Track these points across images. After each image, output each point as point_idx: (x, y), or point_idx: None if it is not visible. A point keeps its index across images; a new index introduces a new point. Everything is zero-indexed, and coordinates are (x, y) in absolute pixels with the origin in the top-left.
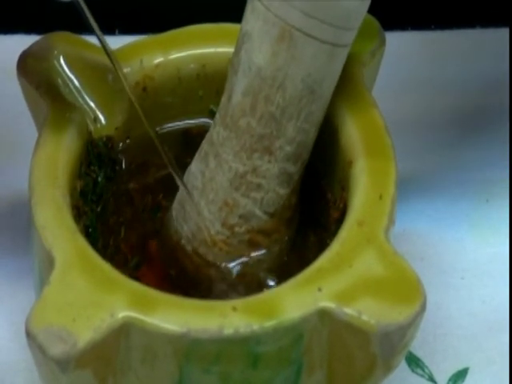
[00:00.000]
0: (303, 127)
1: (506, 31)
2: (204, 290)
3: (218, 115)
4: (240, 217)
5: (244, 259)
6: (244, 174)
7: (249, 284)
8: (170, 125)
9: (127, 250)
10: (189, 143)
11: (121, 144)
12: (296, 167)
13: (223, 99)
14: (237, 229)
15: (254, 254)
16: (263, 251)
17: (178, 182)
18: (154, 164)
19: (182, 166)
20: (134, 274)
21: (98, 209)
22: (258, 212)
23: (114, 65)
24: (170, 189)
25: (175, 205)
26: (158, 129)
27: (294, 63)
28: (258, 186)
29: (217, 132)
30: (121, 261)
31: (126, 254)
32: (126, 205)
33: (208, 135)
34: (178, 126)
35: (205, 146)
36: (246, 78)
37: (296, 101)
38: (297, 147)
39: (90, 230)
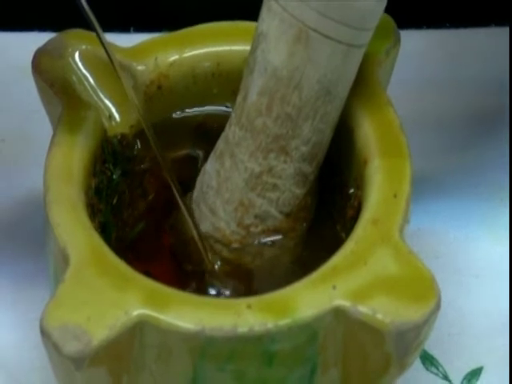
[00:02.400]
0: (319, 127)
1: None
2: (218, 286)
3: (233, 115)
4: (256, 217)
5: (259, 255)
6: (260, 174)
7: (264, 280)
8: (187, 111)
9: (141, 243)
10: (202, 136)
11: (136, 139)
12: (311, 167)
13: (239, 99)
14: (252, 229)
15: (268, 251)
16: (278, 248)
17: (178, 200)
18: (168, 158)
19: (194, 158)
20: (148, 268)
21: (114, 201)
22: (273, 212)
23: (111, 61)
24: (184, 182)
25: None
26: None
27: (311, 64)
28: (274, 186)
29: (232, 132)
30: (135, 255)
31: (140, 247)
32: (141, 199)
33: (223, 135)
34: (195, 113)
35: (220, 145)
36: (261, 78)
37: (312, 101)
38: (312, 147)
39: (104, 223)
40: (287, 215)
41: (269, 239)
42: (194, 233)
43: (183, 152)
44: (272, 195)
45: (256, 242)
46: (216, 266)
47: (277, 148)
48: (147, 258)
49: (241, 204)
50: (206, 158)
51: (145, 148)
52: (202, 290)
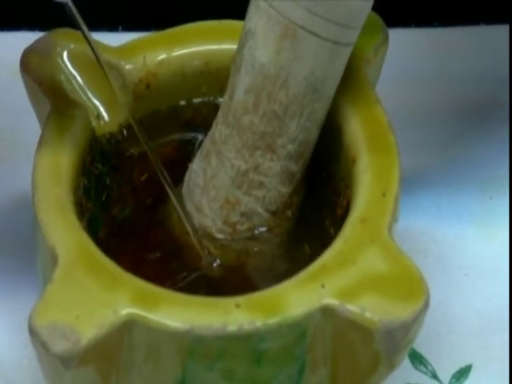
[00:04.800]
0: (306, 126)
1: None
2: (206, 283)
3: (220, 113)
4: (242, 215)
5: (244, 252)
6: (246, 172)
7: (251, 277)
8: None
9: (129, 239)
10: (192, 128)
11: (124, 138)
12: (298, 166)
13: (225, 97)
14: (238, 226)
15: (254, 247)
16: (264, 244)
17: (172, 199)
18: (157, 152)
19: (184, 155)
20: (137, 265)
21: (103, 198)
22: (259, 210)
23: (98, 59)
24: (174, 178)
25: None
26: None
27: (297, 61)
28: (260, 184)
29: (219, 130)
30: (123, 252)
31: (129, 243)
32: (130, 194)
33: (210, 133)
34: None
35: (206, 144)
36: (248, 76)
37: (299, 99)
38: (299, 146)
39: (93, 221)
40: (273, 213)
41: (255, 235)
42: (188, 227)
43: (173, 144)
44: (258, 193)
45: (242, 238)
46: (214, 262)
47: (263, 146)
48: (135, 254)
49: (227, 202)
50: (198, 147)
51: (133, 145)
52: (189, 286)
